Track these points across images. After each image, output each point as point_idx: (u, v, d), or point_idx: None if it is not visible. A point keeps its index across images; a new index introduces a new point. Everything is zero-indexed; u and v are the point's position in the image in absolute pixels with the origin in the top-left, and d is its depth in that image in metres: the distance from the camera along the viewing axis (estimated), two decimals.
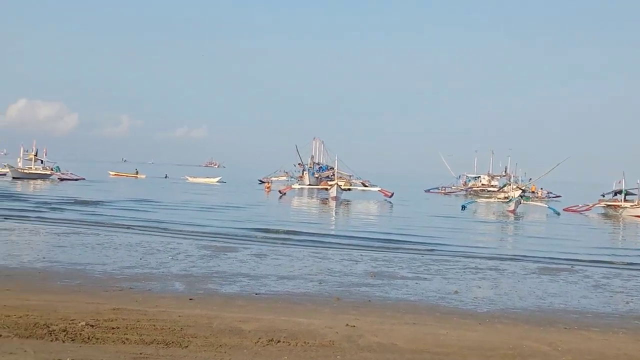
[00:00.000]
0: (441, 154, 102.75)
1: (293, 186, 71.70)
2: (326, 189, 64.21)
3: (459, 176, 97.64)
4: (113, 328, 9.20)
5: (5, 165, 79.49)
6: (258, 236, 26.12)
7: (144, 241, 21.87)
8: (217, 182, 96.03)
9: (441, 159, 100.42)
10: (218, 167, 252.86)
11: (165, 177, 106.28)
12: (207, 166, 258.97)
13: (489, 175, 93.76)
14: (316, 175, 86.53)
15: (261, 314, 11.02)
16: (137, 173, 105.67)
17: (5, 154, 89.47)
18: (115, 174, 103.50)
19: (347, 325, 10.33)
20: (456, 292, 14.82)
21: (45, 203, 38.68)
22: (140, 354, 7.94)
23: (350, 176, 73.94)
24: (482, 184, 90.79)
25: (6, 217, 28.63)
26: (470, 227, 37.96)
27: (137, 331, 9.13)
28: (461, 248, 24.81)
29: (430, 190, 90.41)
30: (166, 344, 8.51)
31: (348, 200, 58.91)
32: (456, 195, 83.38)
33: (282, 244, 23.77)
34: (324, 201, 57.92)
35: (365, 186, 68.33)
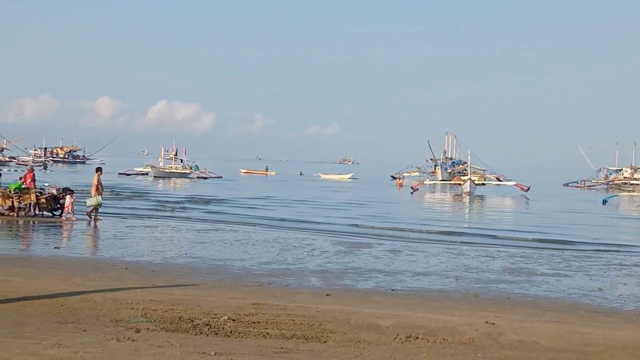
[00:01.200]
0: (580, 146, 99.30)
1: (425, 182, 71.17)
2: (459, 184, 63.39)
3: (599, 169, 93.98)
4: (254, 322, 9.39)
5: (147, 165, 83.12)
6: (391, 232, 26.07)
7: (279, 237, 22.27)
8: (349, 178, 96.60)
9: (580, 151, 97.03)
10: (352, 163, 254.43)
11: (300, 174, 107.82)
12: (341, 163, 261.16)
13: (631, 168, 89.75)
14: (449, 171, 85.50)
15: (398, 310, 10.95)
16: (267, 170, 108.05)
17: (147, 154, 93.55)
18: (246, 172, 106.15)
19: (487, 322, 10.10)
20: (600, 289, 14.21)
21: (185, 200, 40.12)
22: (281, 348, 8.04)
23: (484, 171, 72.60)
24: (625, 177, 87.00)
25: (148, 216, 29.89)
26: (613, 222, 36.40)
27: (277, 326, 9.28)
28: (603, 244, 23.80)
29: (570, 185, 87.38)
30: (306, 339, 8.60)
31: (482, 196, 57.82)
32: (597, 190, 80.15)
33: (416, 240, 23.58)
34: (457, 197, 57.12)
35: (500, 181, 66.89)
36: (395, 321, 9.92)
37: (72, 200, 25.67)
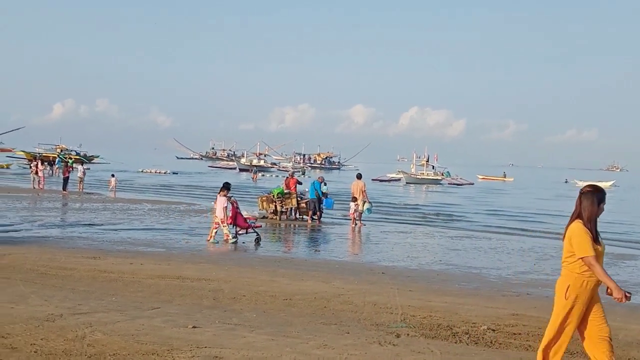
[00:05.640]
0: None
1: None
2: None
3: None
4: (514, 334, 9.14)
5: (398, 171, 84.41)
6: None
7: (536, 246, 21.56)
8: (610, 186, 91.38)
9: None
10: (620, 171, 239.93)
11: (566, 181, 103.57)
12: (608, 170, 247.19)
13: None
14: None
15: None
16: (504, 176, 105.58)
17: (403, 160, 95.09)
18: (483, 178, 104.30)
19: None
20: None
21: (436, 207, 40.23)
22: None
23: None
24: None
25: (401, 221, 30.32)
26: None
27: (539, 338, 8.93)
28: None
29: None
30: (571, 354, 8.19)
31: None
32: None
33: None
34: None
35: None
36: None
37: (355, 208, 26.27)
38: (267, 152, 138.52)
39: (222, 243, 19.19)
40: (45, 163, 53.21)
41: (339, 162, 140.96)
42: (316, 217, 27.11)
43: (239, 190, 51.81)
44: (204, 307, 10.04)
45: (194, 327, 8.45)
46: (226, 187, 20.00)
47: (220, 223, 19.59)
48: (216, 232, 19.61)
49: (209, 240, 19.44)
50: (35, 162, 44.28)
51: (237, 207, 20.13)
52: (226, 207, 19.46)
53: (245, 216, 20.56)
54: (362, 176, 27.81)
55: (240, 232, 19.81)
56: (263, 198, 27.92)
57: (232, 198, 20.35)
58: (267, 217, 27.05)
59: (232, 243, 19.21)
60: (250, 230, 19.90)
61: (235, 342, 7.79)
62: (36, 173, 42.49)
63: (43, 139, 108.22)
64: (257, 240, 19.52)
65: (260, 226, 21.52)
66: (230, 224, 19.67)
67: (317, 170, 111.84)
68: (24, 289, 10.65)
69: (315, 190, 27.16)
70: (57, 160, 69.49)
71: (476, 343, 8.57)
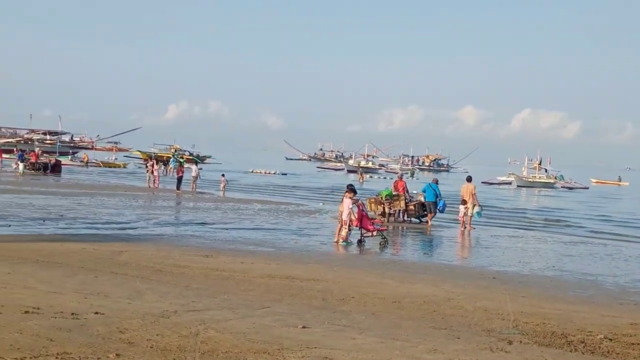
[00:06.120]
0: None
1: None
2: None
3: None
4: (633, 344, 8.76)
5: (510, 174, 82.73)
6: None
7: None
8: None
9: None
10: None
11: None
12: None
13: None
14: None
15: None
16: (619, 181, 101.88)
17: (515, 163, 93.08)
18: (597, 182, 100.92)
19: None
20: None
21: (548, 211, 39.18)
22: None
23: None
24: None
25: (512, 225, 29.69)
26: None
27: None
28: None
29: None
30: None
31: None
32: None
33: None
34: None
35: None
36: None
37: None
38: (374, 154, 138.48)
39: (353, 243, 19.22)
40: (160, 163, 54.92)
41: (447, 164, 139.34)
42: (427, 220, 26.92)
43: (342, 192, 52.04)
44: (313, 307, 10.11)
45: (303, 327, 8.52)
46: (352, 189, 20.05)
47: (344, 224, 19.53)
48: (347, 233, 19.52)
49: (336, 242, 19.52)
50: (151, 162, 45.84)
51: (364, 210, 20.00)
52: (352, 209, 19.44)
53: (371, 219, 20.34)
54: (472, 179, 27.38)
55: (366, 235, 19.63)
56: (371, 200, 27.90)
57: (360, 201, 20.35)
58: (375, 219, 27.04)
59: (345, 244, 19.14)
60: (375, 233, 19.72)
61: (344, 344, 7.80)
62: (152, 172, 44.01)
63: (158, 139, 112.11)
64: (383, 244, 19.31)
65: (387, 229, 21.10)
66: (356, 226, 19.58)
67: (426, 172, 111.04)
68: (140, 285, 11.02)
69: (434, 191, 27.00)
70: (171, 160, 71.63)
71: (592, 352, 8.27)
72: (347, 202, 19.52)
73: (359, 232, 19.60)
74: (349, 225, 19.39)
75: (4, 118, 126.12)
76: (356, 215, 19.43)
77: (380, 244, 19.36)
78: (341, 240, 19.32)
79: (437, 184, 27.62)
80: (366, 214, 20.04)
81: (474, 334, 8.91)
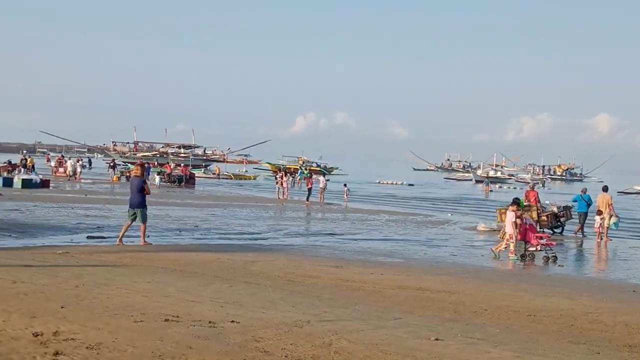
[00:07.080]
0: None
1: None
2: None
3: None
4: None
5: None
6: None
7: None
8: None
9: None
10: None
11: None
12: None
13: None
14: None
15: None
16: None
17: None
18: None
19: None
20: None
21: None
22: None
23: None
24: None
25: None
26: None
27: None
28: None
29: None
30: None
31: None
32: None
33: None
34: None
35: None
36: None
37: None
38: (504, 164, 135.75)
39: (505, 259, 18.66)
40: (288, 174, 56.03)
41: (581, 173, 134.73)
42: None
43: (470, 202, 51.27)
44: (445, 319, 9.99)
45: (436, 339, 8.42)
46: (516, 202, 19.72)
47: (509, 239, 18.97)
48: (505, 248, 19.03)
49: (492, 249, 19.20)
50: (281, 174, 46.79)
51: (527, 223, 19.26)
52: (515, 222, 18.94)
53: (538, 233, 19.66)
54: (608, 189, 26.35)
55: (530, 249, 18.83)
56: (502, 210, 27.26)
57: (524, 215, 19.88)
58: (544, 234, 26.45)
59: (514, 260, 18.49)
60: (540, 247, 18.76)
61: (479, 358, 7.66)
62: (281, 184, 44.90)
63: (286, 151, 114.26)
64: (549, 260, 18.44)
65: (554, 244, 19.84)
66: (520, 239, 18.94)
67: (558, 182, 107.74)
68: (273, 294, 11.22)
69: (585, 201, 26.44)
70: (299, 171, 72.82)
71: None
72: (510, 216, 19.09)
73: (523, 246, 19.01)
74: (515, 239, 18.79)
75: (141, 131, 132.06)
76: (520, 228, 18.84)
77: (544, 258, 18.53)
78: (510, 255, 18.72)
79: (585, 193, 26.99)
80: (531, 226, 19.35)
81: (615, 349, 8.55)
